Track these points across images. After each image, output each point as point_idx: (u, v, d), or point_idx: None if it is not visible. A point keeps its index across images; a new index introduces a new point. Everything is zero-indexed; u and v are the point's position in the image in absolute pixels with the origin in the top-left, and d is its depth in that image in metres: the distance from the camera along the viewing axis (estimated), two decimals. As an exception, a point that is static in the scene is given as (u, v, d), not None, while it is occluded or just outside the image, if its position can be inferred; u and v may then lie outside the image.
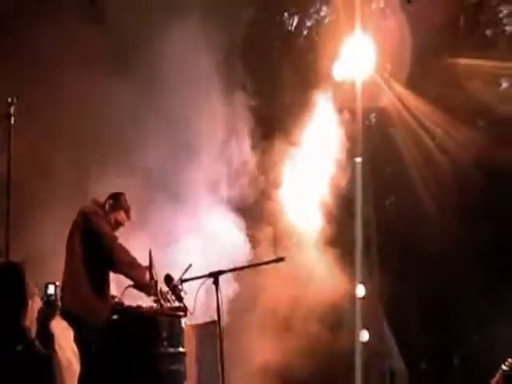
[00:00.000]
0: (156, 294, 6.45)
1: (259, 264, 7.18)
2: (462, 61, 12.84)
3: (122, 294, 6.60)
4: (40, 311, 5.88)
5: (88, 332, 6.15)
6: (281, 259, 6.48)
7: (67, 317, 6.18)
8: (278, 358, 12.22)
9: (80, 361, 6.06)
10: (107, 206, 6.43)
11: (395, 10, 12.55)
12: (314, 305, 13.58)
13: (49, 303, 5.75)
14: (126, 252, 6.21)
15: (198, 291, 7.71)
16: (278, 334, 12.35)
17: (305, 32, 16.62)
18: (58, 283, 5.81)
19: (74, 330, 6.15)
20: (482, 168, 13.98)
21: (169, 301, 6.47)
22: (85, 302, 6.15)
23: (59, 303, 5.93)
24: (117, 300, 6.91)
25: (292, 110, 13.12)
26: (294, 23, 16.62)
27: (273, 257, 7.65)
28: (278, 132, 12.51)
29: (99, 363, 6.17)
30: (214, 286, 6.20)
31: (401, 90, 12.51)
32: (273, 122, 13.80)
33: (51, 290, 5.73)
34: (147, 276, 6.30)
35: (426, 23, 12.57)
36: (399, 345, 14.06)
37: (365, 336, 12.68)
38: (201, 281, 6.44)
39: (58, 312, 6.15)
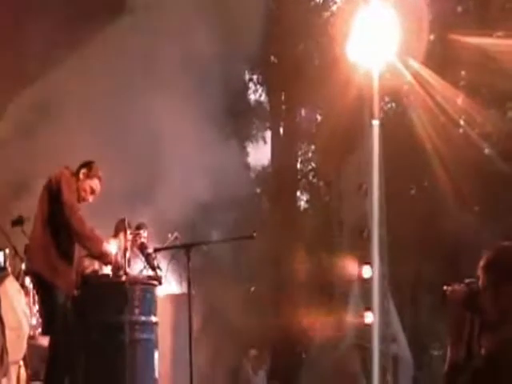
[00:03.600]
0: (111, 263, 6.44)
1: (231, 239, 7.22)
2: (490, 41, 12.38)
3: (79, 263, 6.60)
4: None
5: (53, 295, 6.15)
6: (251, 236, 6.55)
7: (32, 277, 6.28)
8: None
9: (44, 325, 6.12)
10: (81, 175, 6.41)
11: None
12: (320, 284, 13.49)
13: (-3, 269, 5.81)
14: (83, 223, 6.18)
15: (169, 262, 7.78)
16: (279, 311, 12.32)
17: (333, 7, 16.47)
18: (7, 250, 5.86)
19: (37, 292, 6.22)
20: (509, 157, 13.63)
21: (125, 272, 6.42)
22: (50, 264, 6.16)
23: (9, 269, 5.98)
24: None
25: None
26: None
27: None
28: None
29: (66, 329, 6.18)
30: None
31: (421, 70, 12.17)
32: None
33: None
34: (103, 246, 6.26)
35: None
36: (406, 330, 13.83)
37: (368, 317, 12.47)
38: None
39: (23, 271, 6.21)
